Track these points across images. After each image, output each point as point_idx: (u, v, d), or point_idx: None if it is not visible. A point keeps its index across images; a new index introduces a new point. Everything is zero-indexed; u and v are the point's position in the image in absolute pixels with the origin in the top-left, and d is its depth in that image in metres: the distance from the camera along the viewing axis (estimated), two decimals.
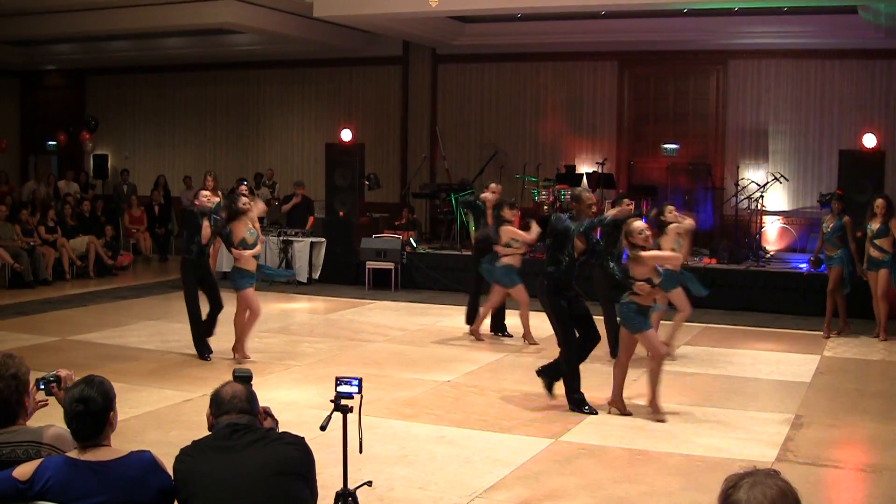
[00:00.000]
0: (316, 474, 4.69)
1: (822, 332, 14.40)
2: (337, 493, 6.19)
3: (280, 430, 4.84)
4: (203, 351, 12.47)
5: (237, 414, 4.64)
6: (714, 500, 3.15)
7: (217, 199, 12.77)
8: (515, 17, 20.71)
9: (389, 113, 23.80)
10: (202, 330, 12.54)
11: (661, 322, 12.35)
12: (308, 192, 21.11)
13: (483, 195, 14.60)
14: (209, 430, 4.68)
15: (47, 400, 5.05)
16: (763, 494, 3.01)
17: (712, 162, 20.65)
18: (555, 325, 10.27)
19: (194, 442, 4.59)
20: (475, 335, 13.84)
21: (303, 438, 4.68)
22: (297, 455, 4.56)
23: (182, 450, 4.55)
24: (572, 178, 19.94)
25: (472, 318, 14.11)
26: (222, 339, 12.77)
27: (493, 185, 14.84)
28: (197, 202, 12.67)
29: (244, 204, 12.50)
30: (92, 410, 4.35)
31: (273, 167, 24.32)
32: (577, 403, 10.04)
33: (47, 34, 23.29)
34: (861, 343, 14.02)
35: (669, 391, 10.88)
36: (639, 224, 9.93)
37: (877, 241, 13.96)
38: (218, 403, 4.71)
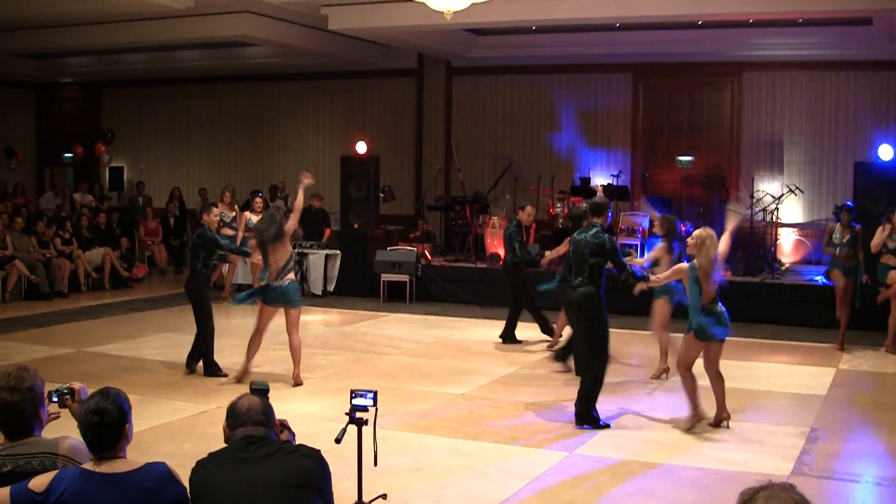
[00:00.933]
0: (332, 487, 4.67)
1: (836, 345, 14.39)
2: None
3: (296, 443, 4.82)
4: (216, 369, 12.41)
5: (253, 426, 4.64)
6: None
7: (233, 213, 12.84)
8: (530, 29, 20.73)
9: (404, 125, 23.83)
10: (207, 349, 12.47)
11: None
12: (323, 204, 21.12)
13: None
14: (225, 441, 4.67)
15: (59, 412, 5.07)
16: None
17: (727, 174, 20.63)
18: (597, 337, 10.20)
19: (210, 454, 4.59)
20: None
21: (319, 451, 4.66)
22: (313, 468, 4.55)
23: (198, 462, 4.56)
24: (587, 191, 19.93)
25: (507, 334, 14.42)
26: (233, 353, 12.76)
27: (529, 208, 14.68)
28: (206, 218, 12.52)
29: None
30: (107, 422, 4.36)
31: (287, 179, 24.35)
32: (595, 420, 9.98)
33: (63, 47, 23.39)
34: (876, 356, 13.96)
35: (683, 405, 10.86)
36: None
37: None
38: (234, 416, 4.71)
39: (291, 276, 11.89)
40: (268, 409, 4.75)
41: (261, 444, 4.57)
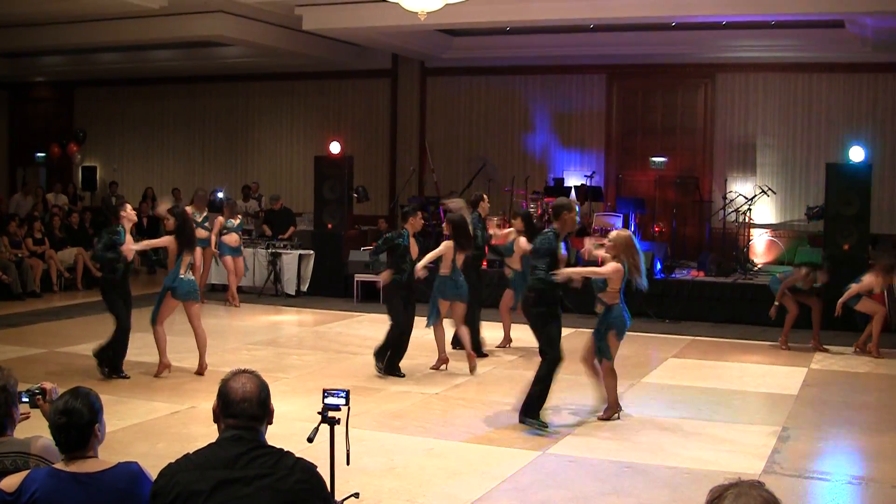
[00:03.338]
0: (330, 499, 4.40)
1: (809, 345, 14.46)
2: None
3: (292, 460, 4.17)
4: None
5: (246, 421, 4.17)
6: None
7: (205, 213, 12.86)
8: (504, 30, 20.77)
9: (378, 126, 23.83)
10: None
11: None
12: (297, 204, 21.13)
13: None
14: (214, 421, 4.28)
15: (30, 413, 5.05)
16: None
17: (700, 175, 20.72)
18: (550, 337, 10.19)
19: (188, 458, 4.14)
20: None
21: (315, 471, 4.17)
22: (306, 496, 4.06)
23: (170, 465, 4.12)
24: (561, 191, 19.98)
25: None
26: (213, 352, 12.73)
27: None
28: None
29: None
30: (76, 423, 4.33)
31: (261, 180, 24.35)
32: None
33: (36, 46, 23.30)
34: (848, 356, 14.05)
35: (656, 404, 10.92)
36: None
37: None
38: (226, 402, 4.23)
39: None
40: (264, 401, 4.26)
41: (251, 457, 4.07)
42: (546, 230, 10.26)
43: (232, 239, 18.27)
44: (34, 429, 4.86)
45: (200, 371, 12.22)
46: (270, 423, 4.32)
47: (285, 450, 4.20)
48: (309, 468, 4.14)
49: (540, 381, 9.93)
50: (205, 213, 18.50)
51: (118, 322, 12.08)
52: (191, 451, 4.18)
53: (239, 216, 18.87)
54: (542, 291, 9.94)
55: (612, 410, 10.23)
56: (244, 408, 4.17)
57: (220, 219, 18.28)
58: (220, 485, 3.99)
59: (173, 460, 4.17)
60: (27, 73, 27.21)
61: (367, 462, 8.46)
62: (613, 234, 10.35)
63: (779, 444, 9.45)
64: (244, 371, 4.34)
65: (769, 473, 8.42)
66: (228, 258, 18.33)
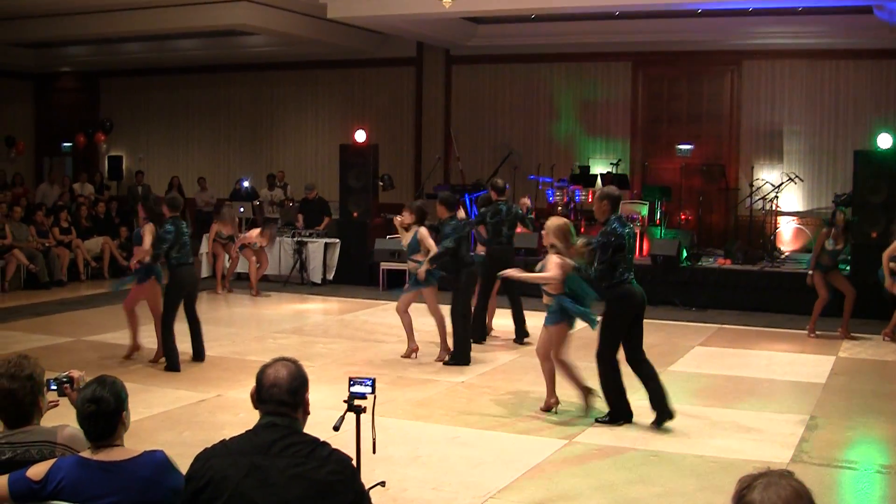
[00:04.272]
0: (364, 492, 4.26)
1: (837, 334, 14.36)
2: None
3: (328, 450, 4.17)
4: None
5: (275, 406, 4.20)
6: (728, 501, 3.14)
7: None
8: (529, 17, 20.70)
9: (403, 114, 23.79)
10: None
11: None
12: (322, 193, 21.08)
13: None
14: (253, 404, 4.30)
15: (58, 401, 5.06)
16: (777, 495, 3.00)
17: (726, 163, 20.60)
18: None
19: (225, 444, 4.19)
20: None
21: (349, 463, 4.20)
22: (340, 486, 4.05)
23: (207, 450, 4.18)
24: (586, 179, 19.92)
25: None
26: (234, 342, 12.76)
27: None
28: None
29: None
30: (104, 411, 4.34)
31: (286, 169, 24.37)
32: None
33: (61, 36, 23.36)
34: (876, 344, 13.97)
35: (683, 393, 10.87)
36: None
37: None
38: (259, 386, 4.28)
39: None
40: (297, 388, 4.26)
41: (285, 444, 4.09)
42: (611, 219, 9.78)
43: (253, 235, 18.31)
44: (62, 417, 4.87)
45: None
46: (307, 413, 4.34)
47: (321, 440, 4.21)
48: (343, 460, 4.15)
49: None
50: (231, 233, 18.67)
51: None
52: (227, 438, 4.22)
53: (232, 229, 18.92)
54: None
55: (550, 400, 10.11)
56: (273, 393, 4.21)
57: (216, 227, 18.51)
58: (253, 471, 4.02)
59: (209, 446, 4.22)
60: (53, 63, 27.28)
61: (393, 451, 8.45)
62: (547, 223, 10.04)
63: (806, 432, 9.39)
64: (284, 359, 4.37)
65: (797, 462, 8.37)
66: (249, 250, 18.37)
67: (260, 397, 4.26)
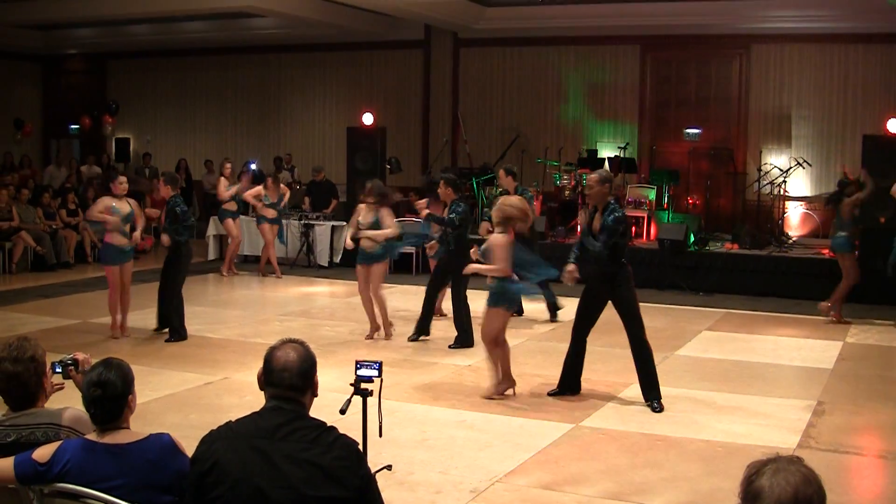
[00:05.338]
0: (370, 477, 4.20)
1: (848, 320, 14.32)
2: None
3: (334, 434, 4.13)
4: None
5: (284, 390, 4.16)
6: (735, 486, 3.13)
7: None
8: (537, 0, 20.64)
9: (411, 97, 23.75)
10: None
11: None
12: (329, 175, 21.07)
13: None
14: (259, 387, 4.26)
15: (63, 383, 5.05)
16: (786, 481, 2.99)
17: (734, 147, 20.55)
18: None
19: (229, 426, 4.17)
20: None
21: (356, 449, 4.14)
22: (344, 473, 4.00)
23: (212, 432, 4.16)
24: (594, 163, 19.87)
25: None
26: (242, 323, 12.76)
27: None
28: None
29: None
30: (110, 394, 4.33)
31: (293, 151, 24.39)
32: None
33: (69, 18, 23.30)
34: (883, 330, 13.94)
35: (690, 377, 10.86)
36: None
37: None
38: (268, 369, 4.22)
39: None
40: (306, 371, 4.23)
41: (290, 429, 4.06)
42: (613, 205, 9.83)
43: (270, 213, 18.28)
44: (68, 399, 4.87)
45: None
46: (315, 395, 4.31)
47: (327, 424, 4.18)
48: (349, 445, 4.11)
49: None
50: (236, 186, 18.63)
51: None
52: (233, 420, 4.21)
53: (278, 193, 18.70)
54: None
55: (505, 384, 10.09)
56: (283, 377, 4.17)
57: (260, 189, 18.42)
58: (257, 455, 4.00)
59: (214, 428, 4.19)
60: (60, 45, 27.26)
61: (399, 434, 8.45)
62: (498, 202, 10.09)
63: (814, 418, 9.38)
64: (292, 340, 4.33)
65: (804, 448, 8.36)
66: (266, 225, 18.33)
67: (268, 380, 4.22)
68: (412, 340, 12.72)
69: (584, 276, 10.12)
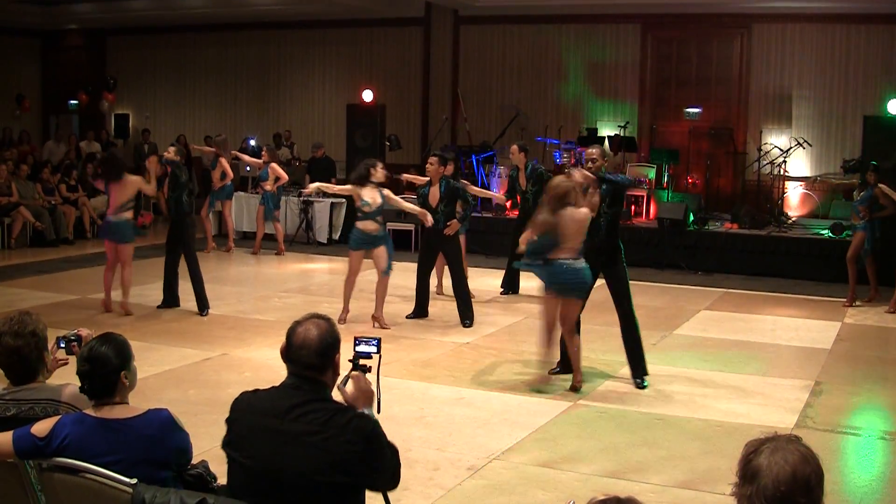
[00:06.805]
0: (384, 460, 4.22)
1: (843, 300, 14.31)
2: None
3: (349, 416, 4.12)
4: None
5: (302, 368, 4.15)
6: (733, 465, 3.14)
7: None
8: None
9: (410, 74, 23.69)
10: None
11: None
12: (329, 152, 21.04)
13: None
14: (282, 357, 4.24)
15: (67, 359, 5.06)
16: (784, 460, 3.00)
17: (735, 126, 20.50)
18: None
19: (249, 398, 4.23)
20: None
21: (371, 431, 4.09)
22: (354, 458, 4.00)
23: (238, 399, 4.24)
24: (594, 141, 19.79)
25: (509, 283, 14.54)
26: (241, 300, 12.76)
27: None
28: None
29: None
30: (99, 370, 4.34)
31: (293, 128, 24.34)
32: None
33: None
34: (882, 311, 13.94)
35: (688, 356, 10.88)
36: None
37: None
38: (288, 344, 4.21)
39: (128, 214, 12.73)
40: (325, 350, 4.19)
41: (305, 410, 4.05)
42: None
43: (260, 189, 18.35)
44: (71, 376, 4.87)
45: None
46: (337, 373, 4.31)
47: (344, 405, 4.20)
48: (362, 428, 4.08)
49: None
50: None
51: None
52: (260, 389, 4.27)
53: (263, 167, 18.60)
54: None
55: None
56: (301, 355, 4.16)
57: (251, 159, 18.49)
58: (267, 434, 4.05)
59: (248, 390, 4.31)
60: (59, 21, 27.17)
61: (397, 411, 8.46)
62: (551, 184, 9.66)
63: (811, 398, 9.40)
64: (316, 316, 4.30)
65: (801, 427, 8.38)
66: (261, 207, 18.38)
67: (288, 355, 4.22)
68: (410, 318, 12.70)
69: None
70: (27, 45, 28.10)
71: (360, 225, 12.23)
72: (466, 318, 12.39)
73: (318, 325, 4.23)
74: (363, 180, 12.09)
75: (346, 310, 12.44)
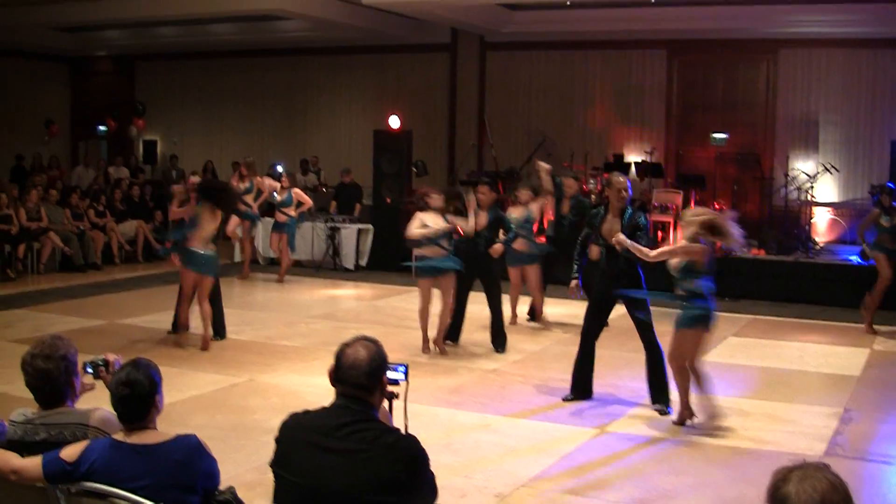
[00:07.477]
0: (426, 480, 4.33)
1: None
2: None
3: (395, 436, 4.24)
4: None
5: (352, 389, 4.21)
6: (761, 492, 3.12)
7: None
8: (565, 4, 20.57)
9: (437, 100, 23.76)
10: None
11: None
12: (355, 178, 21.10)
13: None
14: (330, 381, 4.31)
15: (94, 384, 5.08)
16: (813, 488, 2.98)
17: (761, 152, 20.45)
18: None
19: (297, 418, 4.29)
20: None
21: (416, 453, 4.22)
22: (400, 477, 4.07)
23: (285, 422, 4.29)
24: (620, 167, 19.81)
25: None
26: (267, 325, 12.78)
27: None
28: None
29: None
30: (138, 393, 4.37)
31: (320, 154, 24.41)
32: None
33: (97, 20, 23.38)
34: None
35: (717, 382, 10.81)
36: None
37: None
38: (338, 366, 4.27)
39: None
40: (375, 370, 4.27)
41: (352, 430, 4.10)
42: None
43: (278, 217, 18.09)
44: (98, 400, 4.89)
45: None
46: (384, 394, 4.42)
47: (391, 426, 4.29)
48: (406, 448, 4.17)
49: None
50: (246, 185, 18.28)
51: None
52: (310, 410, 4.32)
53: (287, 191, 18.27)
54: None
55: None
56: (351, 375, 4.22)
57: (271, 182, 18.34)
58: (314, 452, 4.09)
59: (296, 411, 4.35)
60: (89, 47, 27.40)
61: (424, 437, 8.32)
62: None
63: (841, 425, 9.33)
64: (364, 338, 4.37)
65: (831, 455, 8.31)
66: (274, 235, 18.27)
67: (337, 377, 4.27)
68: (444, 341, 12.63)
69: (589, 281, 10.19)
70: (57, 71, 28.36)
71: (425, 251, 12.11)
72: (499, 344, 12.36)
73: (367, 347, 4.30)
74: (424, 208, 12.03)
75: (425, 340, 12.34)
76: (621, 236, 9.44)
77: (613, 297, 9.83)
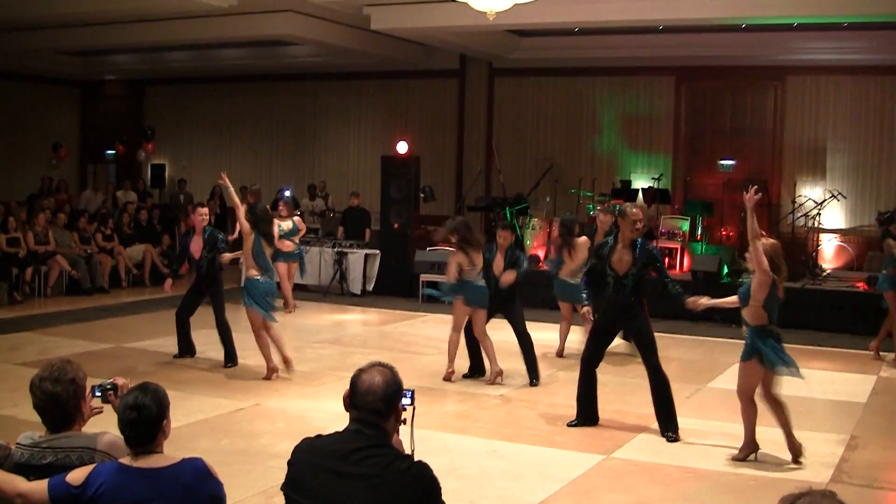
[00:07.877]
0: None
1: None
2: None
3: (408, 463, 4.26)
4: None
5: (367, 414, 4.22)
6: None
7: None
8: (573, 31, 20.66)
9: (445, 126, 23.82)
10: None
11: None
12: (363, 203, 21.11)
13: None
14: (344, 407, 4.34)
15: (102, 407, 5.09)
16: None
17: (769, 178, 20.46)
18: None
19: (312, 443, 4.31)
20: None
21: (429, 480, 4.29)
22: (411, 503, 4.16)
23: (297, 447, 4.31)
24: (628, 193, 19.83)
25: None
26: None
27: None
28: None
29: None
30: (145, 418, 4.37)
31: (327, 179, 24.44)
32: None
33: (107, 45, 23.51)
34: None
35: (722, 409, 10.79)
36: None
37: None
38: (354, 391, 4.28)
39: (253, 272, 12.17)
40: (391, 396, 4.30)
41: (366, 454, 4.12)
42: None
43: (285, 245, 17.93)
44: (106, 424, 4.90)
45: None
46: (399, 420, 4.40)
47: (404, 453, 4.28)
48: (419, 476, 4.21)
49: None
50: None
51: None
52: (322, 434, 4.33)
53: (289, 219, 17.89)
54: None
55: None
56: (367, 401, 4.23)
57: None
58: (327, 477, 4.10)
59: (309, 436, 4.37)
60: (98, 71, 27.54)
61: (431, 462, 8.37)
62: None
63: (847, 452, 9.31)
64: (379, 364, 4.40)
65: (837, 482, 8.29)
66: (282, 263, 18.12)
67: (352, 402, 4.28)
68: (466, 377, 12.45)
69: (595, 308, 10.21)
70: (67, 95, 28.50)
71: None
72: (534, 376, 12.22)
73: (383, 373, 4.34)
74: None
75: (450, 367, 12.19)
76: (704, 300, 9.96)
77: (617, 327, 9.86)
